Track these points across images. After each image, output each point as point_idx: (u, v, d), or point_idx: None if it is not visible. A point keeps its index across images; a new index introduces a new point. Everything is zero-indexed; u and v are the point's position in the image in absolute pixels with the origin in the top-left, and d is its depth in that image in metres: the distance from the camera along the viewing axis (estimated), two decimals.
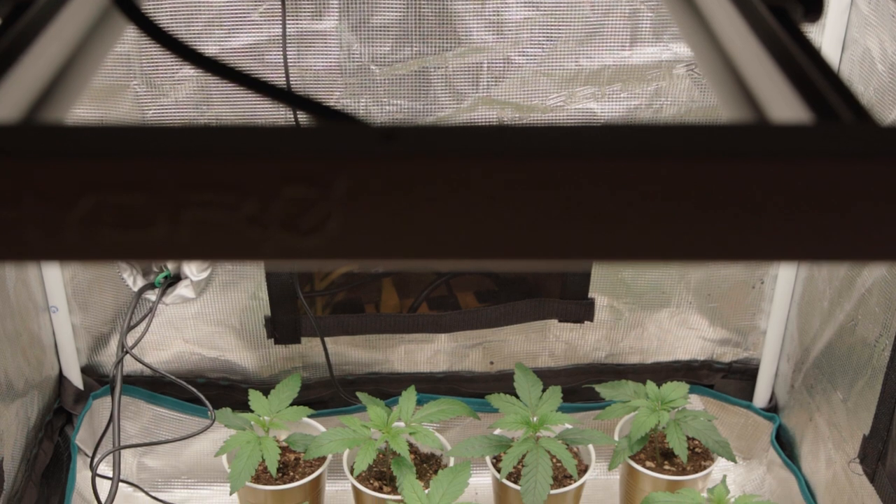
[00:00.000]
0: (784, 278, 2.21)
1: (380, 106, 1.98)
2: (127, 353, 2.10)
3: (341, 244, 0.46)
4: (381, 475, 2.11)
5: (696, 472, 2.12)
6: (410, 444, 2.13)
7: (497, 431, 2.13)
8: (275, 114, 1.96)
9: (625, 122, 0.47)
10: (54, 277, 2.12)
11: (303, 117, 1.71)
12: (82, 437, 2.23)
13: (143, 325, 2.14)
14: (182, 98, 1.94)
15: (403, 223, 0.46)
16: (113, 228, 0.46)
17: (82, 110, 1.93)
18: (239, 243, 0.46)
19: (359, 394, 2.19)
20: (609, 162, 0.45)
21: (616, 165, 0.45)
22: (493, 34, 1.92)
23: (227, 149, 0.45)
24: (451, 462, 2.09)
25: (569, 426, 2.12)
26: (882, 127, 0.47)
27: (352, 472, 2.07)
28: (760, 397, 2.38)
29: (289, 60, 1.89)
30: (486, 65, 1.95)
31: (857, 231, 0.47)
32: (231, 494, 2.00)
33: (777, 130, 0.48)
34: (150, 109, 1.95)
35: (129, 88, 1.92)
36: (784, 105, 0.56)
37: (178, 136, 0.46)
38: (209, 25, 1.88)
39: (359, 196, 0.45)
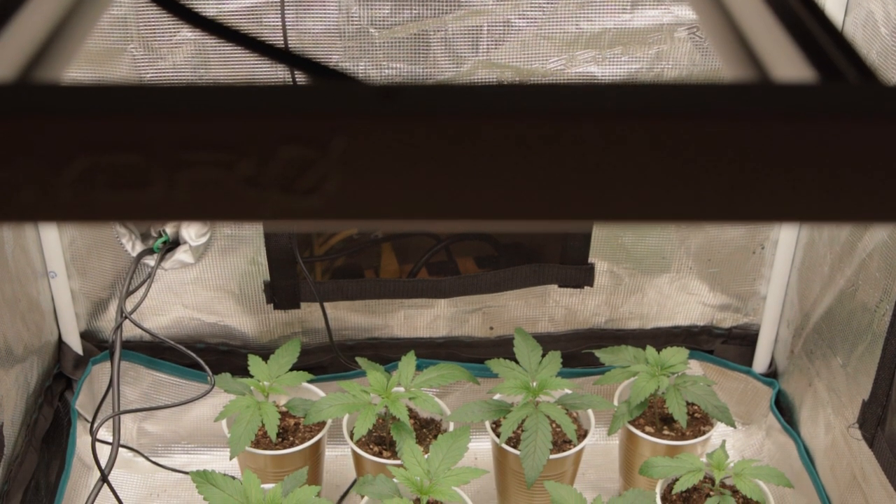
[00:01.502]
0: (784, 243, 2.21)
1: (379, 69, 1.96)
2: (126, 318, 2.10)
3: (339, 205, 0.46)
4: (380, 440, 2.11)
5: (696, 437, 2.12)
6: (410, 409, 2.13)
7: (497, 396, 2.13)
8: (273, 77, 1.95)
9: (627, 81, 0.47)
10: (53, 243, 2.11)
11: (301, 78, 1.70)
12: (82, 403, 2.23)
13: (141, 290, 2.14)
14: (180, 61, 1.93)
15: (402, 183, 0.45)
16: (108, 189, 0.45)
17: (79, 74, 1.92)
18: (236, 204, 0.46)
19: (358, 359, 2.19)
20: (611, 120, 0.45)
21: (618, 123, 0.45)
22: None
23: (224, 108, 0.45)
24: (451, 427, 2.09)
25: (568, 391, 2.12)
26: (888, 86, 0.46)
27: (351, 437, 2.08)
28: (760, 363, 2.38)
29: (287, 23, 1.88)
30: (485, 28, 1.94)
31: (862, 191, 0.46)
32: (231, 459, 2.00)
33: (781, 89, 0.47)
34: (148, 73, 1.94)
35: (127, 52, 1.91)
36: (788, 65, 0.55)
37: (173, 94, 0.45)
38: None
39: (357, 156, 0.44)
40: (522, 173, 0.45)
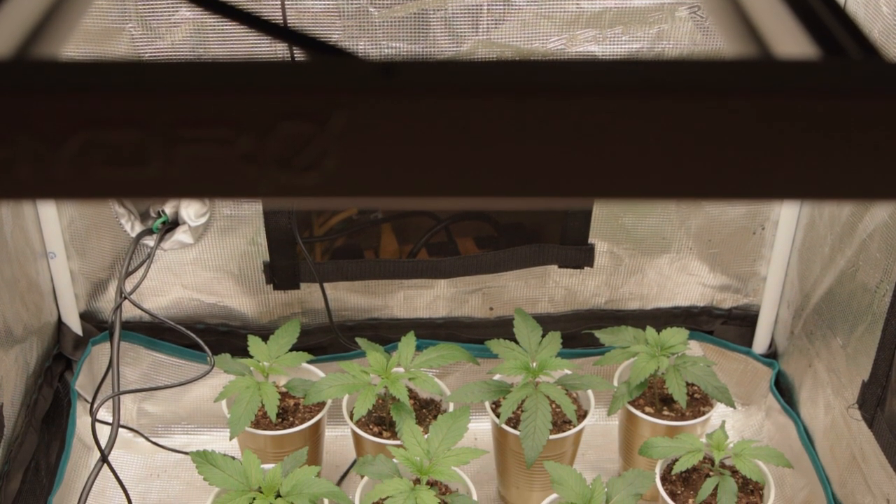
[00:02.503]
0: (785, 224, 2.20)
1: (378, 49, 1.96)
2: (125, 298, 2.10)
3: (338, 182, 0.45)
4: (380, 420, 2.11)
5: (695, 417, 2.12)
6: (410, 390, 2.13)
7: (496, 377, 2.13)
8: (273, 57, 1.94)
9: (627, 58, 0.46)
10: (52, 223, 2.11)
11: (300, 56, 1.70)
12: (82, 383, 2.23)
13: (141, 270, 2.14)
14: (178, 41, 1.92)
15: (402, 160, 0.45)
16: (105, 166, 0.45)
17: (77, 53, 1.92)
18: (234, 181, 0.45)
19: (358, 339, 2.19)
20: (611, 96, 0.44)
21: (618, 100, 0.44)
22: None
23: (222, 83, 0.44)
24: (451, 407, 2.09)
25: (568, 372, 2.12)
26: (891, 62, 0.46)
27: (351, 418, 2.08)
28: (760, 343, 2.38)
29: (286, 3, 1.87)
30: (485, 7, 1.93)
31: (865, 168, 0.46)
32: (231, 440, 2.01)
33: (784, 65, 0.47)
34: (146, 52, 1.93)
35: (125, 31, 1.90)
36: (791, 41, 0.55)
37: (171, 71, 0.45)
38: None
39: (356, 132, 0.44)
40: (523, 150, 0.45)
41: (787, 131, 0.45)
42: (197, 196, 0.46)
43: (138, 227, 2.15)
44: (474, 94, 0.44)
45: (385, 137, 0.44)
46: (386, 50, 1.96)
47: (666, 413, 2.14)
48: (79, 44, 1.90)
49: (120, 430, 2.03)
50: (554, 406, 2.09)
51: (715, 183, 0.46)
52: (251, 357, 2.11)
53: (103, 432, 1.97)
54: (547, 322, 2.27)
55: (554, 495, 1.91)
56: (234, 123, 0.44)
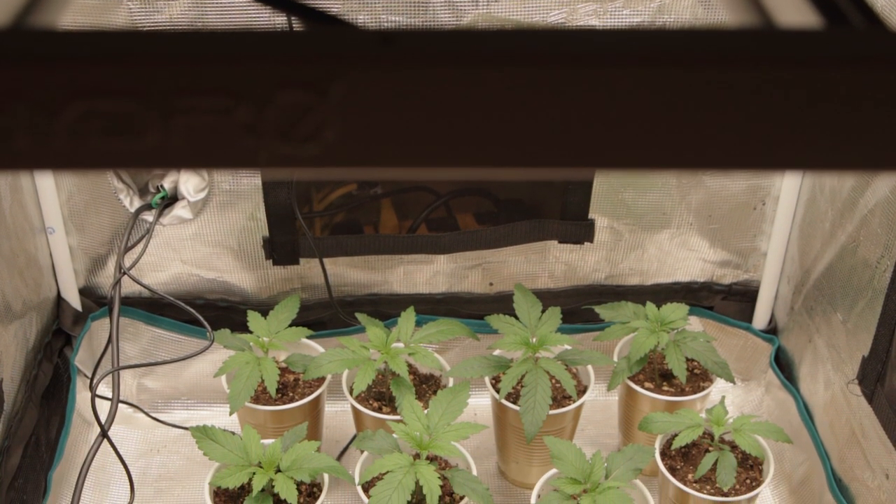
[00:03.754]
0: (785, 199, 2.20)
1: (378, 23, 1.95)
2: (124, 274, 2.10)
3: (338, 152, 0.45)
4: (380, 396, 2.12)
5: (695, 392, 2.12)
6: (409, 365, 2.13)
7: (496, 352, 2.13)
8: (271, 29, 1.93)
9: (627, 28, 0.46)
10: (50, 198, 2.10)
11: (299, 27, 1.69)
12: (81, 359, 2.23)
13: (140, 246, 2.14)
14: (176, 14, 1.91)
15: (402, 130, 0.44)
16: (103, 136, 0.44)
17: (74, 27, 1.90)
18: (233, 151, 0.45)
19: (358, 315, 2.19)
20: (612, 66, 0.44)
21: (619, 70, 0.44)
22: None
23: (220, 52, 0.44)
24: (450, 382, 2.09)
25: (568, 347, 2.12)
26: (895, 32, 0.45)
27: (351, 393, 2.08)
28: (760, 319, 2.38)
29: None
30: None
31: (870, 138, 0.45)
32: (231, 415, 2.01)
33: (786, 35, 0.46)
34: (144, 26, 1.92)
35: (123, 5, 1.89)
36: (793, 11, 0.54)
37: (169, 40, 0.44)
38: None
39: (356, 102, 0.44)
40: (523, 119, 0.44)
41: (791, 101, 0.44)
42: (195, 166, 0.46)
43: (137, 203, 2.14)
44: (473, 63, 0.44)
45: (384, 107, 0.44)
46: (386, 24, 1.95)
47: (665, 388, 2.14)
48: (76, 17, 1.89)
49: (120, 405, 2.03)
50: (554, 381, 2.09)
51: (717, 153, 0.46)
52: (251, 332, 2.11)
53: (103, 407, 1.97)
54: (547, 297, 2.26)
55: (553, 470, 1.92)
56: (233, 93, 0.44)
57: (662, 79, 0.44)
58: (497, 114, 0.44)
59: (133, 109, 0.44)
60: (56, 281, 2.22)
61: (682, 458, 2.01)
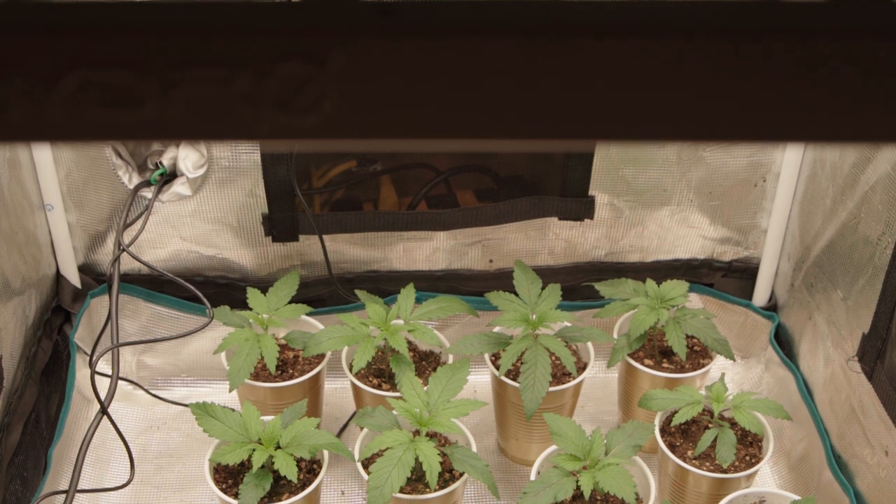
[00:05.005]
0: (786, 176, 2.19)
1: None
2: (123, 251, 2.09)
3: (337, 123, 0.45)
4: (379, 372, 2.12)
5: (695, 369, 2.12)
6: (409, 342, 2.13)
7: (496, 329, 2.13)
8: None
9: None
10: (49, 175, 2.10)
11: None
12: (81, 336, 2.23)
13: (139, 223, 2.13)
14: None
15: (401, 101, 0.44)
16: (100, 107, 0.44)
17: None
18: (232, 122, 0.45)
19: (357, 291, 2.19)
20: (614, 36, 0.43)
21: (621, 42, 0.43)
22: None
23: (219, 24, 0.43)
24: (450, 359, 2.09)
25: (568, 324, 2.12)
26: None
27: (351, 370, 2.08)
28: (760, 296, 2.38)
29: None
30: None
31: (873, 111, 0.45)
32: (230, 392, 2.01)
33: (791, 6, 0.46)
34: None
35: None
36: None
37: (167, 11, 0.44)
38: None
39: (355, 73, 0.43)
40: (522, 90, 0.44)
41: (795, 72, 0.44)
42: (194, 138, 0.46)
43: (136, 179, 2.14)
44: (473, 34, 0.43)
45: (383, 78, 0.43)
46: None
47: (665, 365, 2.14)
48: None
49: (120, 382, 2.04)
50: (553, 358, 2.09)
51: (720, 125, 0.46)
52: (250, 309, 2.11)
53: (103, 384, 1.97)
54: (547, 274, 2.26)
55: (553, 447, 1.92)
56: (232, 64, 0.43)
57: (663, 50, 0.43)
58: (496, 85, 0.44)
59: (131, 80, 0.43)
60: (55, 258, 2.22)
61: (681, 434, 2.01)
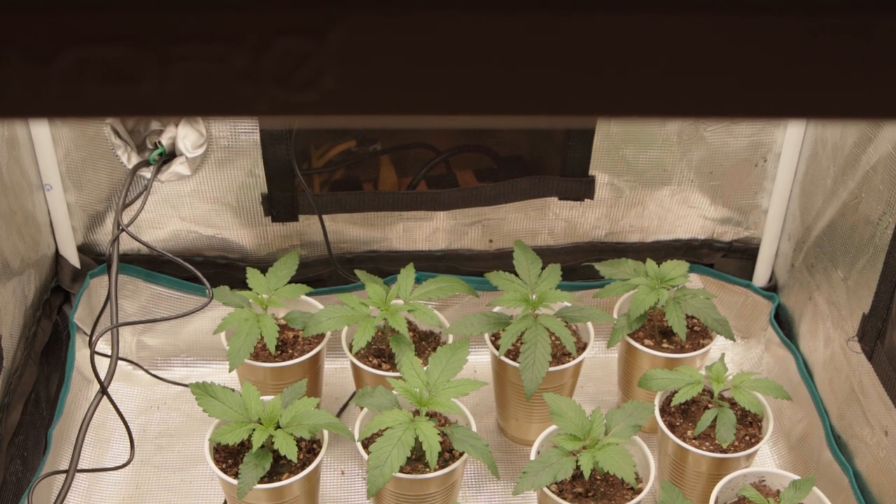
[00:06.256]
0: (787, 156, 2.19)
1: None
2: (123, 230, 2.09)
3: (337, 99, 0.44)
4: (379, 352, 2.11)
5: (695, 350, 2.12)
6: (409, 322, 2.13)
7: (496, 309, 2.13)
8: None
9: None
10: (47, 155, 2.09)
11: None
12: (80, 316, 2.23)
13: (138, 203, 2.13)
14: None
15: (402, 77, 0.44)
16: (98, 83, 0.44)
17: None
18: (230, 98, 0.44)
19: (357, 272, 2.18)
20: (616, 12, 0.43)
21: (621, 17, 0.43)
22: None
23: None
24: (450, 339, 2.09)
25: (568, 304, 2.12)
26: None
27: (350, 350, 2.08)
28: (760, 276, 2.38)
29: None
30: None
31: (875, 87, 0.45)
32: (230, 372, 2.01)
33: None
34: None
35: None
36: None
37: None
38: None
39: (355, 48, 0.43)
40: (526, 66, 0.43)
41: (796, 49, 0.43)
42: (192, 114, 0.45)
43: (135, 159, 2.13)
44: (476, 8, 0.43)
45: (384, 53, 0.43)
46: None
47: (665, 345, 2.14)
48: None
49: (120, 362, 2.04)
50: (553, 338, 2.09)
51: (722, 103, 0.45)
52: (250, 289, 2.11)
53: (102, 365, 1.97)
54: (547, 254, 2.26)
55: (553, 427, 1.92)
56: (230, 39, 0.43)
57: (664, 25, 0.43)
58: (499, 60, 0.43)
59: (129, 56, 0.43)
60: (54, 238, 2.21)
61: (681, 414, 2.01)
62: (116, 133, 2.11)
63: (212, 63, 0.43)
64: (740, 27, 0.43)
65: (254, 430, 1.82)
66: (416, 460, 1.86)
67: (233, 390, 1.89)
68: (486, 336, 2.11)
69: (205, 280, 2.08)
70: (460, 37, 0.43)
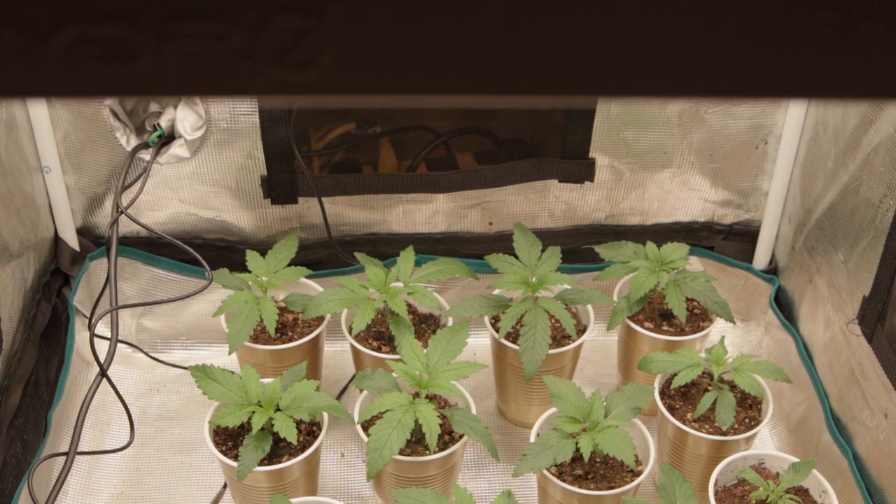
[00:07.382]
0: (788, 138, 2.18)
1: None
2: (122, 213, 2.08)
3: (336, 78, 0.44)
4: (379, 335, 2.11)
5: (695, 332, 2.12)
6: (409, 305, 2.13)
7: (496, 291, 2.13)
8: None
9: None
10: (46, 137, 2.09)
11: None
12: (80, 299, 2.23)
13: (137, 185, 2.12)
14: None
15: (402, 56, 0.43)
16: (95, 62, 0.43)
17: None
18: (228, 77, 0.44)
19: (357, 254, 2.18)
20: None
21: None
22: None
23: None
24: (450, 322, 2.09)
25: (567, 286, 2.11)
26: None
27: (350, 332, 2.08)
28: (760, 259, 2.37)
29: None
30: None
31: (877, 67, 0.44)
32: (230, 354, 2.01)
33: None
34: None
35: None
36: None
37: None
38: None
39: (355, 26, 0.42)
40: (528, 44, 0.43)
41: (799, 28, 0.43)
42: (190, 93, 0.45)
43: (134, 141, 2.13)
44: None
45: (384, 32, 0.43)
46: None
47: (665, 328, 2.14)
48: None
49: (119, 345, 2.04)
50: (553, 321, 2.08)
51: (723, 82, 0.45)
52: (249, 272, 2.10)
53: (102, 347, 1.97)
54: (547, 237, 2.26)
55: (552, 409, 1.92)
56: (228, 17, 0.42)
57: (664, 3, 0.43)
58: (501, 38, 0.43)
59: (126, 35, 0.43)
60: (53, 220, 2.21)
61: (681, 397, 2.01)
62: (115, 115, 2.10)
63: (210, 41, 0.43)
64: (741, 3, 0.42)
65: (253, 412, 1.82)
66: (416, 443, 1.87)
67: (232, 373, 1.88)
68: (486, 319, 2.11)
69: (204, 262, 2.08)
70: (461, 14, 0.42)
